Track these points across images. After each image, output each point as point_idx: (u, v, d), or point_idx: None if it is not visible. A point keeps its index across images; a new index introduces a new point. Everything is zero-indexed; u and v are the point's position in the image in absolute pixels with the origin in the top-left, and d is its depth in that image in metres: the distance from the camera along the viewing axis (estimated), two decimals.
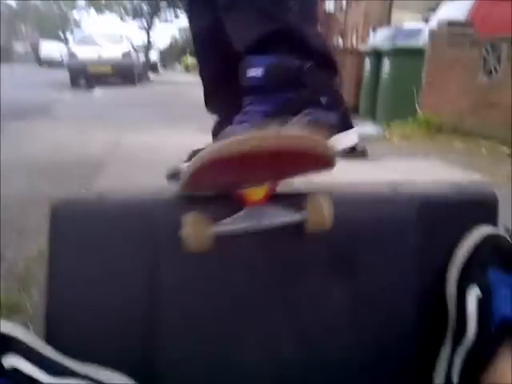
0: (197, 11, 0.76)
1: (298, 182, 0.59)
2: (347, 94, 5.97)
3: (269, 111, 0.62)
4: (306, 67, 0.63)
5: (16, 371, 0.49)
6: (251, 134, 0.43)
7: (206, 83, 0.83)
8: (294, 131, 0.44)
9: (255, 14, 0.63)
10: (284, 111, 0.62)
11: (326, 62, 0.66)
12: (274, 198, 0.55)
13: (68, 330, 0.56)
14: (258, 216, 0.53)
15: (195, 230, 0.51)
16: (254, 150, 0.42)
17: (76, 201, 0.59)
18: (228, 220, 0.54)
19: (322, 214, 0.54)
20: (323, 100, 0.64)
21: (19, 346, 0.51)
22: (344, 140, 0.67)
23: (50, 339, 0.55)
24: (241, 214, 0.54)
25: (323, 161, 0.47)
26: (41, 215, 1.53)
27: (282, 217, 0.55)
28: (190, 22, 0.78)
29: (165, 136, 3.54)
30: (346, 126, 0.68)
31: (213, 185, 0.51)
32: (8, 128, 3.49)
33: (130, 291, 0.56)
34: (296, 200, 0.56)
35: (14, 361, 0.49)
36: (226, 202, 0.55)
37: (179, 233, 0.52)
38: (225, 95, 0.79)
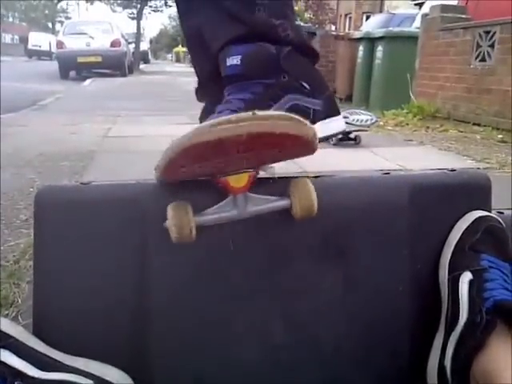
0: (186, 13, 0.76)
1: (282, 169, 0.58)
2: (340, 82, 5.94)
3: (249, 98, 0.61)
4: (285, 52, 0.62)
5: (3, 365, 0.48)
6: (226, 119, 0.41)
7: (199, 75, 0.84)
8: (269, 113, 0.43)
9: (223, 18, 0.63)
10: (265, 98, 0.61)
11: (304, 49, 0.65)
12: (258, 185, 0.54)
13: (56, 322, 0.55)
14: (242, 204, 0.52)
15: (179, 222, 0.50)
16: (230, 135, 0.41)
17: (61, 189, 0.58)
18: (212, 210, 0.53)
19: (308, 200, 0.53)
20: (306, 86, 0.63)
21: (7, 339, 0.50)
22: (330, 126, 0.66)
23: (39, 332, 0.54)
24: (224, 202, 0.53)
25: (303, 143, 0.46)
26: (30, 208, 1.51)
27: (267, 204, 0.54)
28: (182, 23, 0.79)
29: (156, 126, 3.51)
30: (331, 112, 0.67)
31: (192, 172, 0.49)
32: None
33: (117, 280, 0.55)
34: (280, 186, 0.56)
35: (1, 354, 0.48)
36: (211, 189, 0.54)
37: (166, 217, 0.51)
38: (214, 86, 0.79)
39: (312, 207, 0.53)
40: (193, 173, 0.50)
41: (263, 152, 0.47)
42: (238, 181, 0.51)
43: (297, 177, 0.56)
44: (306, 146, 0.48)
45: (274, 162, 0.55)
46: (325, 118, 0.65)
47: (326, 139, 0.63)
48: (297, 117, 0.43)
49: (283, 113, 0.43)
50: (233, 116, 0.42)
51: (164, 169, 0.48)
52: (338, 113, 0.68)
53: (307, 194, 0.53)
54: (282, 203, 0.54)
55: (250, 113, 0.41)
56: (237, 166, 0.50)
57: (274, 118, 0.42)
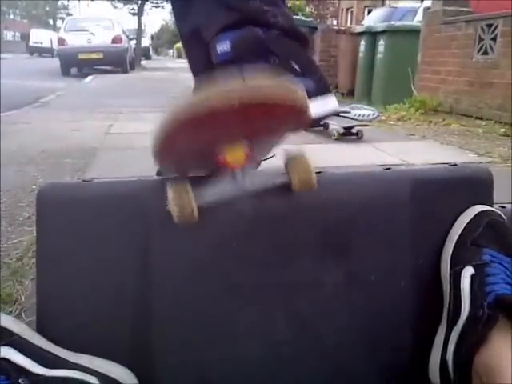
0: (179, 12, 0.77)
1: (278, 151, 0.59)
2: (342, 77, 5.92)
3: None
4: (274, 35, 0.63)
5: (7, 362, 0.48)
6: (217, 88, 0.41)
7: (195, 75, 0.85)
8: (260, 81, 0.43)
9: (218, 7, 0.64)
10: None
11: (294, 34, 0.67)
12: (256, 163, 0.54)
13: (59, 319, 0.56)
14: (241, 179, 0.52)
15: (180, 201, 0.51)
16: (221, 105, 0.41)
17: (63, 186, 0.58)
18: (212, 187, 0.53)
19: (306, 173, 0.54)
20: (296, 67, 0.64)
21: (11, 337, 0.51)
22: (323, 105, 0.67)
23: (42, 329, 0.55)
24: (223, 179, 0.53)
25: (296, 111, 0.46)
26: (33, 205, 1.52)
27: (266, 178, 0.54)
28: (176, 21, 0.80)
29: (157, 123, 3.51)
30: (323, 91, 0.68)
31: (187, 146, 0.49)
32: (0, 118, 3.45)
33: (120, 276, 0.56)
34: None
35: (5, 352, 0.49)
36: (210, 171, 0.54)
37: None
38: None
39: (311, 180, 0.54)
40: (188, 147, 0.49)
41: (255, 122, 0.47)
42: (235, 156, 0.51)
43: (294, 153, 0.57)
44: (299, 114, 0.48)
45: (269, 136, 0.55)
46: (317, 98, 0.66)
47: (320, 120, 0.64)
48: (288, 83, 0.44)
49: (274, 79, 0.43)
50: (223, 85, 0.41)
51: (159, 144, 0.47)
52: (329, 91, 0.69)
53: (305, 167, 0.54)
54: (280, 177, 0.55)
55: (241, 80, 0.41)
56: (231, 138, 0.50)
57: (266, 86, 0.42)
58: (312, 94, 0.65)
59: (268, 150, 0.59)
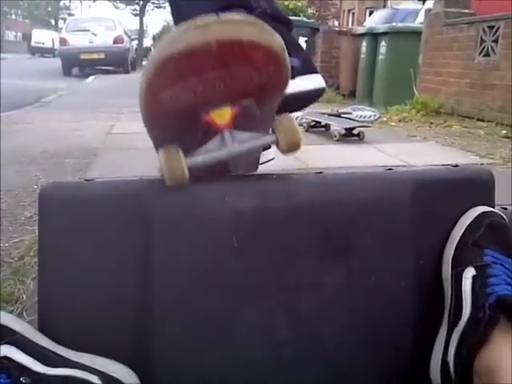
0: (177, 14, 0.78)
1: (283, 166, 0.59)
2: (344, 78, 5.92)
3: None
4: (257, 13, 0.66)
5: (9, 360, 0.48)
6: (193, 24, 0.42)
7: None
8: (235, 17, 0.44)
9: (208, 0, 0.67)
10: None
11: (276, 17, 0.68)
12: (244, 124, 0.55)
13: (61, 318, 0.56)
14: (230, 141, 0.53)
15: (169, 163, 0.51)
16: (199, 40, 0.42)
17: (65, 186, 0.58)
18: (201, 150, 0.54)
19: (293, 135, 0.55)
20: None
21: (13, 335, 0.51)
22: (310, 81, 0.68)
23: (43, 328, 0.55)
24: (212, 141, 0.54)
25: (273, 58, 0.46)
26: (34, 205, 1.53)
27: (254, 140, 0.55)
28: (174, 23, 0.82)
29: None
30: (310, 70, 0.70)
31: (174, 100, 0.49)
32: (1, 118, 3.46)
33: (122, 276, 0.56)
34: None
35: (6, 350, 0.49)
36: (199, 135, 0.55)
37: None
38: None
39: (298, 141, 0.55)
40: (175, 101, 0.49)
41: (234, 70, 0.47)
42: (222, 117, 0.52)
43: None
44: (276, 62, 0.48)
45: (250, 94, 0.55)
46: (303, 76, 0.67)
47: (309, 99, 0.65)
48: (262, 23, 0.45)
49: (249, 17, 0.44)
50: (199, 21, 0.42)
51: (145, 95, 0.47)
52: (316, 71, 0.70)
53: (292, 129, 0.55)
54: (268, 139, 0.56)
55: (216, 17, 0.42)
56: (215, 92, 0.50)
57: (241, 22, 0.43)
58: (298, 73, 0.66)
59: (257, 123, 0.59)
